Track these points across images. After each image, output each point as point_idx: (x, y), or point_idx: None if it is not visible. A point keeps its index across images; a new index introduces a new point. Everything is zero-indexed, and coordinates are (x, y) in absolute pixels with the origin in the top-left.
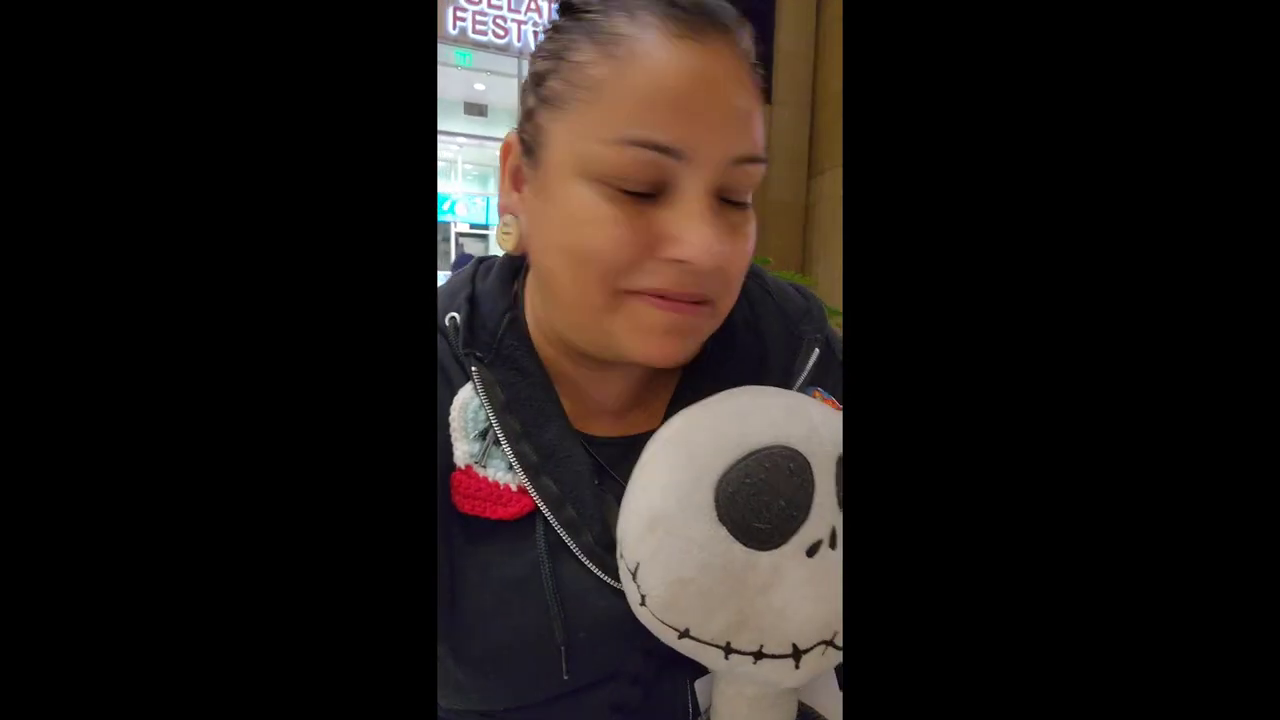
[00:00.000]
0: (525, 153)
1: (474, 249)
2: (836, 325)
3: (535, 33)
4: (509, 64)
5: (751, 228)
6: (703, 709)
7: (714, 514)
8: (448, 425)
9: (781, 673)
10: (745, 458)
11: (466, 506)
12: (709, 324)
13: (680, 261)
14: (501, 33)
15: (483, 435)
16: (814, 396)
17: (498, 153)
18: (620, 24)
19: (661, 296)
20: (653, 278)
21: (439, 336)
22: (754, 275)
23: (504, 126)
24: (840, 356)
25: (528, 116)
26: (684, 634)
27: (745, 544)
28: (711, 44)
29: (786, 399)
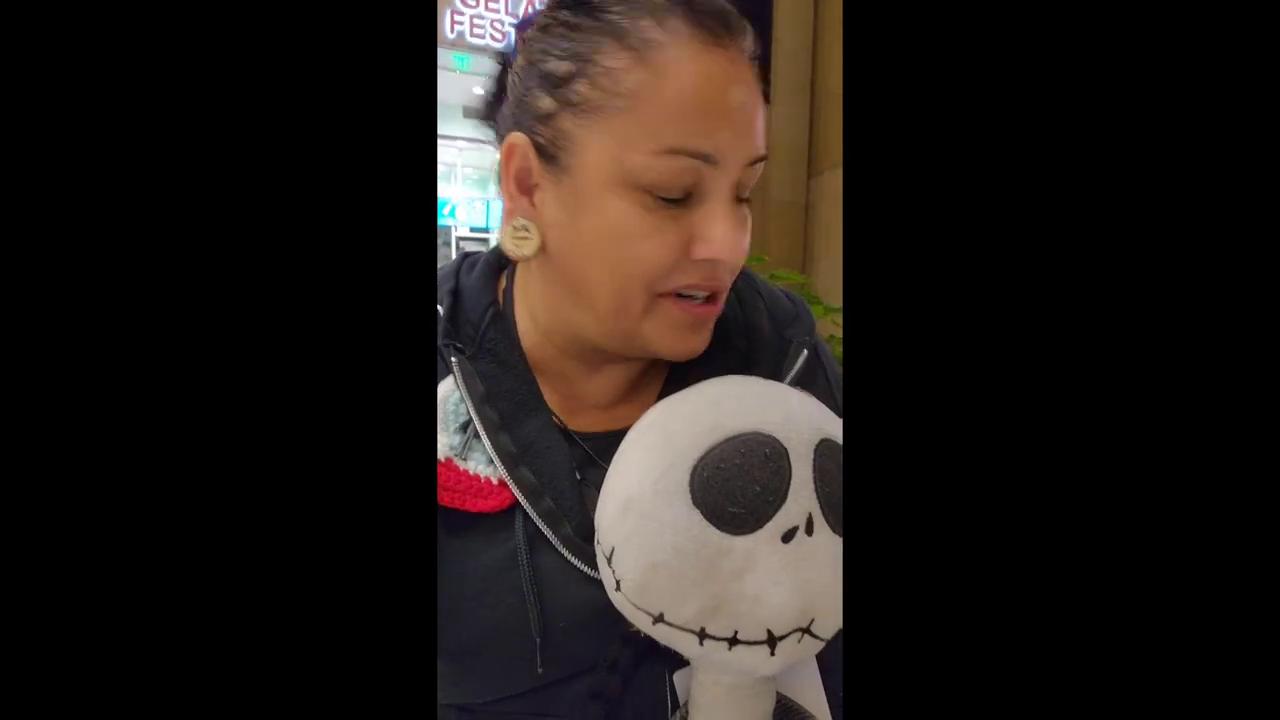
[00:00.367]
0: (543, 157)
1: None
2: (836, 322)
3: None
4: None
5: (750, 224)
6: (682, 701)
7: (688, 498)
8: None
9: (757, 659)
10: (721, 443)
11: (446, 499)
12: (715, 316)
13: (709, 260)
14: (499, 36)
15: (464, 428)
16: None
17: (497, 156)
18: (650, 30)
19: (689, 296)
20: (685, 276)
21: None
22: (745, 277)
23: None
24: (826, 365)
25: (543, 119)
26: (658, 619)
27: (719, 528)
28: (731, 50)
29: (765, 387)
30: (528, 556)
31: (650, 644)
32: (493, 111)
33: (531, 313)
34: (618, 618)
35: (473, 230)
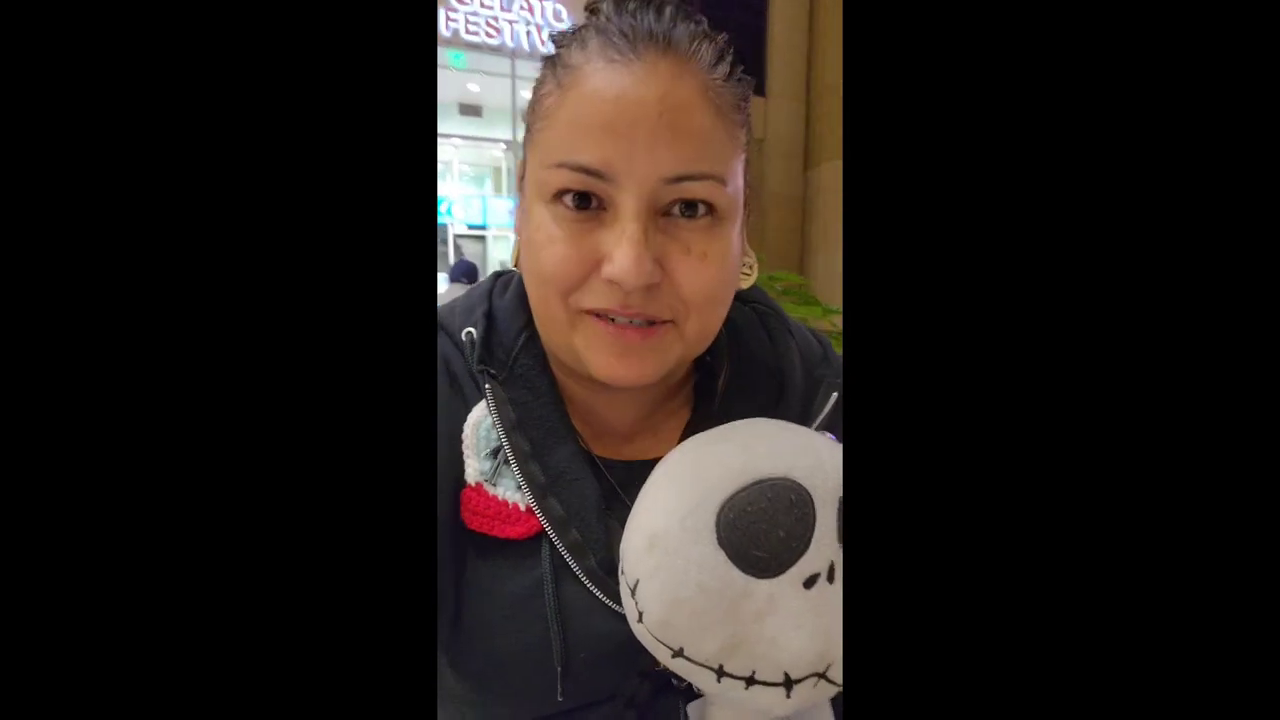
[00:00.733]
0: (520, 181)
1: (471, 250)
2: (835, 324)
3: (528, 34)
4: (502, 64)
5: (719, 247)
6: None
7: (714, 538)
8: (460, 441)
9: (772, 700)
10: (749, 486)
11: (475, 524)
12: (674, 347)
13: (613, 281)
14: (494, 33)
15: (494, 454)
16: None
17: (494, 153)
18: (574, 55)
19: (610, 319)
20: (598, 297)
21: (456, 351)
22: (776, 314)
23: (499, 127)
24: None
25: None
26: (678, 653)
27: (743, 570)
28: (648, 61)
29: (795, 434)
30: (553, 586)
31: (668, 679)
32: None
33: None
34: (638, 650)
35: (470, 228)
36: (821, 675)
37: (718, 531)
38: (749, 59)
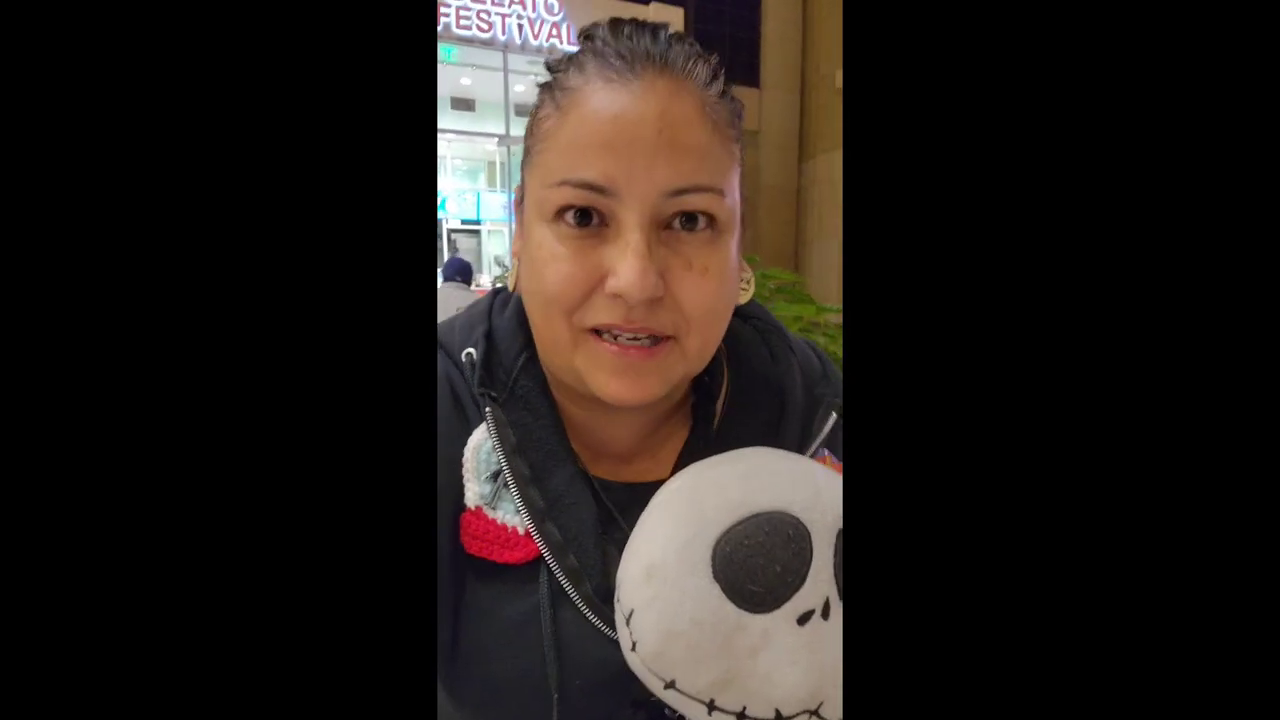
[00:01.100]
0: (518, 204)
1: (466, 244)
2: (826, 321)
3: (519, 27)
4: (494, 58)
5: (719, 260)
6: None
7: (710, 571)
8: (460, 466)
9: None
10: (746, 519)
11: (474, 548)
12: (677, 364)
13: (618, 295)
14: (485, 27)
15: (494, 477)
16: (824, 460)
17: (487, 147)
18: (571, 78)
19: (613, 336)
20: (601, 313)
21: (456, 372)
22: (778, 332)
23: (492, 121)
24: None
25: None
26: (670, 685)
27: (737, 605)
28: (646, 80)
29: (794, 464)
30: (550, 612)
31: (661, 709)
32: None
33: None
34: (633, 679)
35: (464, 223)
36: (814, 713)
37: (714, 565)
38: (743, 51)
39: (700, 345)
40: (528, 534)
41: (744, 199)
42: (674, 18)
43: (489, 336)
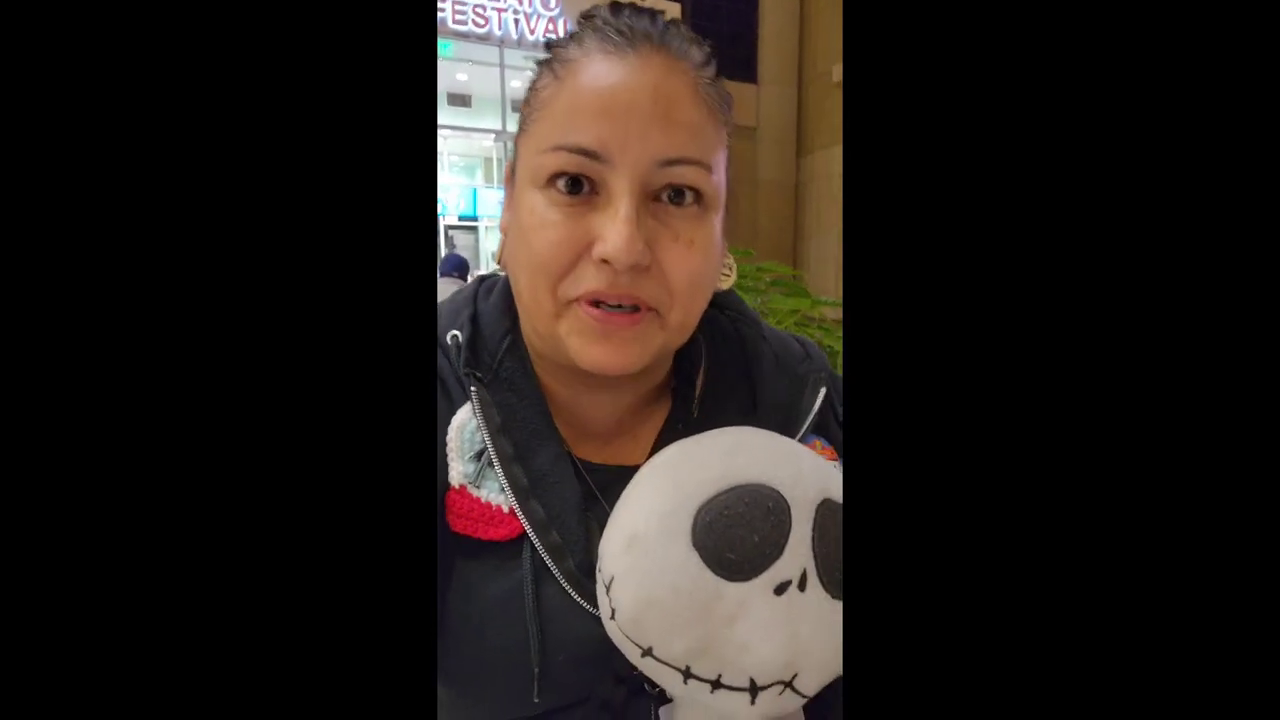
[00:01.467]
0: (509, 178)
1: (463, 241)
2: (823, 315)
3: (515, 22)
4: (490, 53)
5: (704, 235)
6: None
7: (689, 540)
8: (445, 444)
9: (736, 705)
10: (727, 491)
11: (458, 526)
12: (657, 335)
13: (605, 262)
14: (482, 22)
15: (478, 456)
16: (813, 446)
17: (484, 143)
18: (571, 51)
19: (597, 303)
20: (588, 281)
21: (440, 354)
22: (750, 322)
23: (488, 117)
24: (836, 408)
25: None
26: (647, 652)
27: (715, 573)
28: (643, 55)
29: (779, 443)
30: (533, 588)
31: (642, 684)
32: None
33: (527, 334)
34: (614, 653)
35: (461, 219)
36: (788, 684)
37: (693, 534)
38: (741, 47)
39: (681, 319)
40: (511, 512)
41: (730, 188)
42: (672, 12)
43: (474, 320)
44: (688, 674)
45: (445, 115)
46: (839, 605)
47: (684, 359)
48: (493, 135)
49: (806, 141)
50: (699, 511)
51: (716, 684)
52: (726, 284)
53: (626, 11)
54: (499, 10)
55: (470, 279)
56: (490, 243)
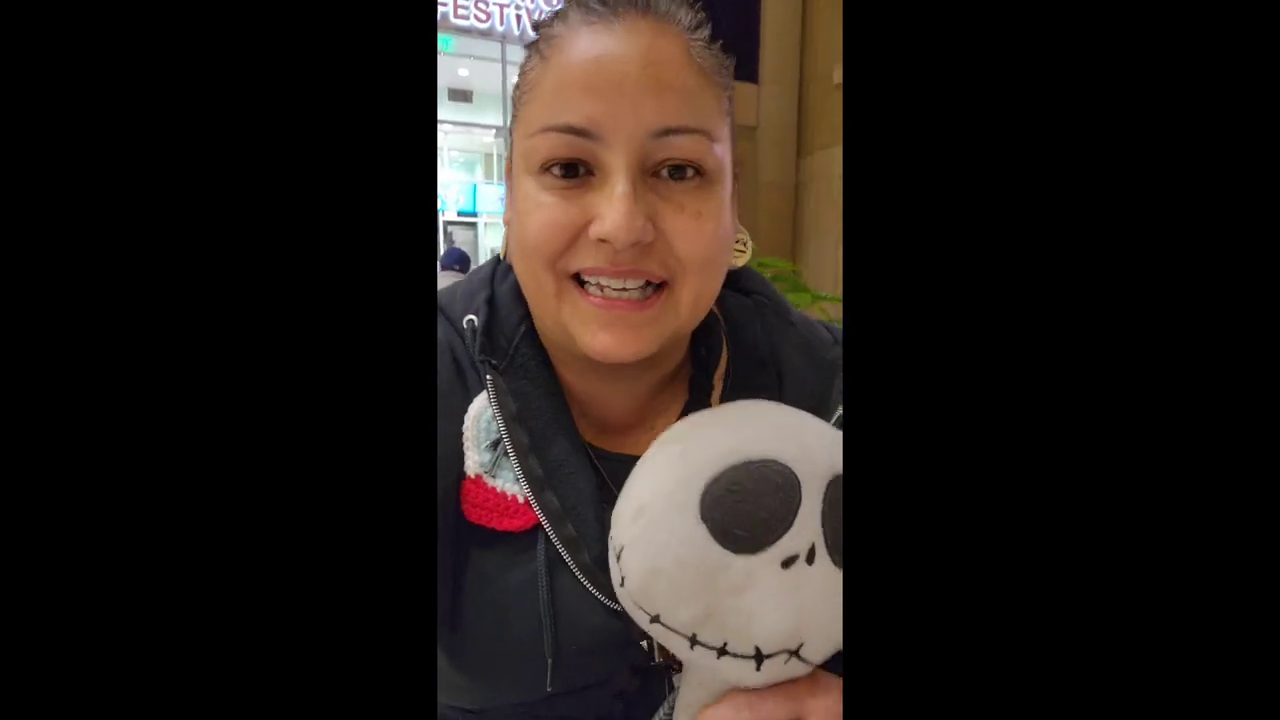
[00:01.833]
0: (509, 171)
1: (462, 237)
2: (824, 309)
3: (518, 17)
4: (492, 49)
5: (712, 206)
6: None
7: (697, 513)
8: (461, 434)
9: (742, 672)
10: (737, 465)
11: (474, 516)
12: (669, 318)
13: (603, 239)
14: (484, 16)
15: (494, 445)
16: None
17: (485, 139)
18: (555, 28)
19: (599, 287)
20: (586, 258)
21: (458, 339)
22: (776, 305)
23: (489, 112)
24: None
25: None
26: (654, 619)
27: (722, 545)
28: (628, 22)
29: (789, 416)
30: (547, 579)
31: (652, 674)
32: None
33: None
34: (628, 645)
35: (460, 214)
36: (793, 653)
37: (701, 507)
38: (742, 47)
39: (694, 295)
40: (527, 502)
41: (736, 157)
42: None
43: (490, 303)
44: (694, 641)
45: (446, 110)
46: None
47: (700, 345)
48: (494, 131)
49: (806, 142)
50: (707, 485)
51: (722, 651)
52: (741, 260)
53: None
54: (501, 5)
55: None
56: (489, 239)
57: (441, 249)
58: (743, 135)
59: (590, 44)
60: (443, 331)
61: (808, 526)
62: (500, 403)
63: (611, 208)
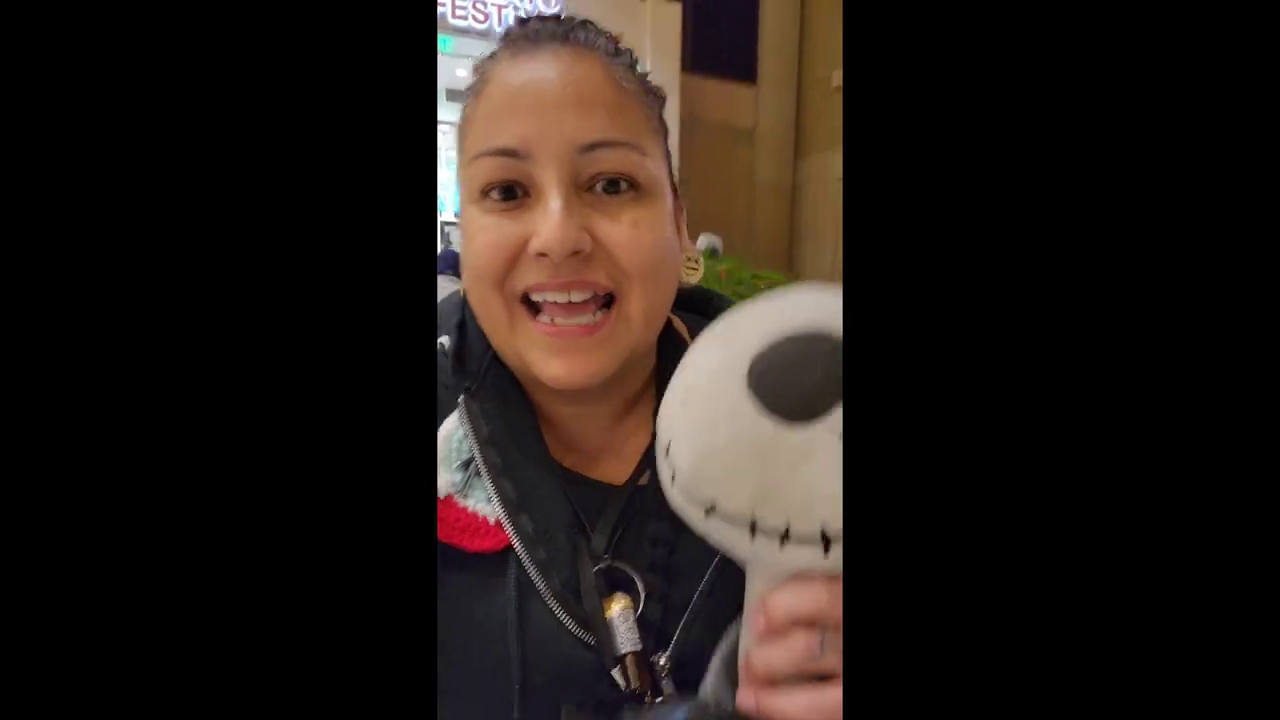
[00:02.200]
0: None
1: (458, 237)
2: None
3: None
4: (489, 49)
5: (650, 216)
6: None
7: (745, 387)
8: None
9: (809, 558)
10: (783, 340)
11: (444, 535)
12: (622, 337)
13: (541, 254)
14: (482, 17)
15: (465, 465)
16: None
17: None
18: (485, 65)
19: (550, 319)
20: (529, 275)
21: None
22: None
23: None
24: None
25: None
26: (710, 510)
27: (774, 418)
28: (549, 51)
29: (830, 295)
30: (516, 605)
31: (621, 703)
32: None
33: None
34: (596, 676)
35: (457, 215)
36: None
37: (749, 380)
38: (741, 49)
39: (644, 308)
40: (498, 523)
41: (674, 176)
42: (672, 14)
43: (461, 326)
44: (754, 528)
45: (444, 110)
46: None
47: (667, 371)
48: None
49: (804, 145)
50: (755, 361)
51: (785, 537)
52: (693, 279)
53: (534, 19)
54: (499, 6)
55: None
56: None
57: (440, 249)
58: (740, 137)
59: (515, 72)
60: None
61: None
62: (473, 425)
63: (546, 221)
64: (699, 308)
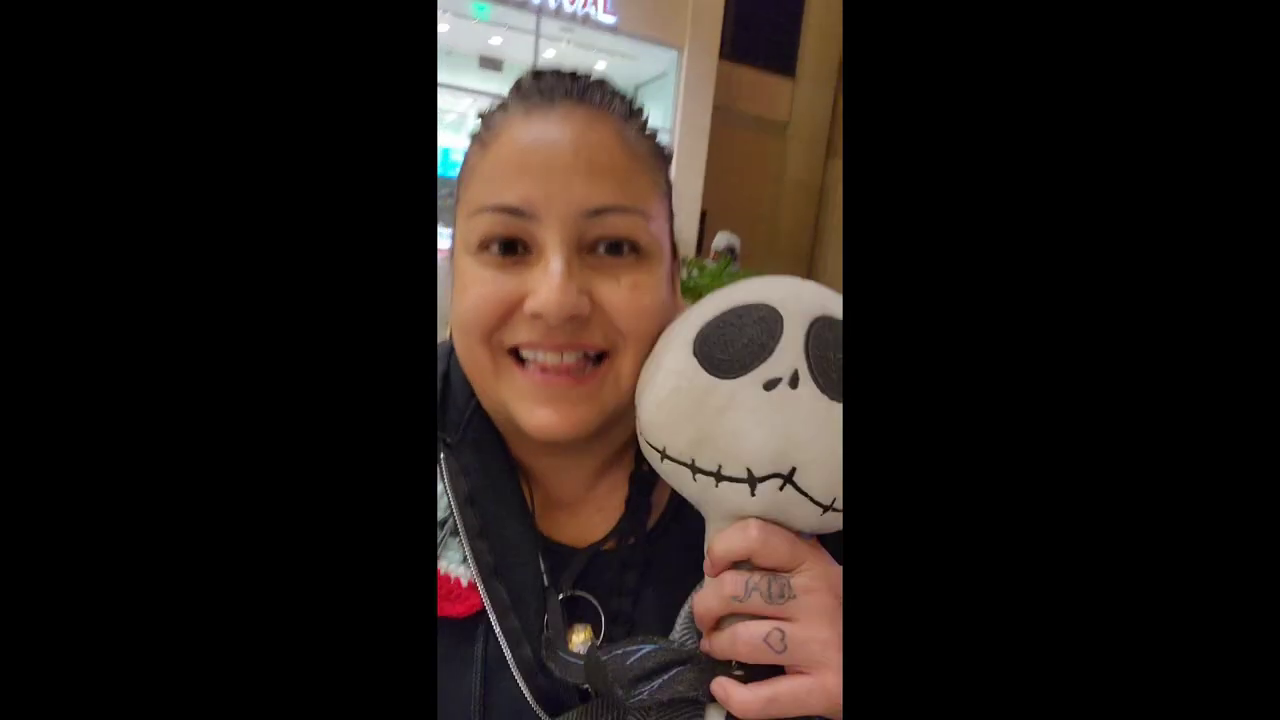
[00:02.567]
0: (451, 255)
1: None
2: None
3: None
4: (527, 20)
5: (650, 280)
6: None
7: (690, 349)
8: None
9: (740, 499)
10: (727, 310)
11: None
12: (609, 391)
13: (536, 314)
14: None
15: (440, 524)
16: None
17: None
18: (495, 118)
19: (539, 364)
20: (521, 332)
21: None
22: None
23: None
24: None
25: None
26: (663, 454)
27: (709, 372)
28: (563, 110)
29: (781, 278)
30: (482, 675)
31: None
32: None
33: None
34: None
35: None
36: (786, 479)
37: (694, 343)
38: (783, 40)
39: (635, 368)
40: (471, 585)
41: (674, 238)
42: (714, 1)
43: (445, 377)
44: (694, 468)
45: (474, 78)
46: (837, 407)
47: None
48: None
49: (838, 144)
50: (702, 328)
51: (719, 476)
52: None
53: (549, 74)
54: None
55: None
56: None
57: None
58: (773, 131)
59: (526, 130)
60: None
61: (790, 352)
62: (453, 484)
63: (546, 283)
64: None
